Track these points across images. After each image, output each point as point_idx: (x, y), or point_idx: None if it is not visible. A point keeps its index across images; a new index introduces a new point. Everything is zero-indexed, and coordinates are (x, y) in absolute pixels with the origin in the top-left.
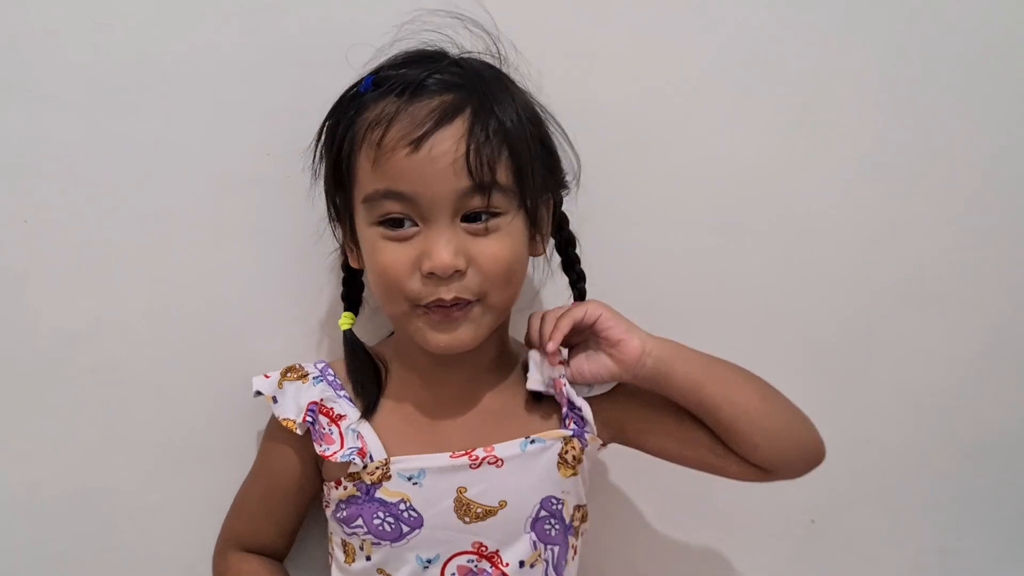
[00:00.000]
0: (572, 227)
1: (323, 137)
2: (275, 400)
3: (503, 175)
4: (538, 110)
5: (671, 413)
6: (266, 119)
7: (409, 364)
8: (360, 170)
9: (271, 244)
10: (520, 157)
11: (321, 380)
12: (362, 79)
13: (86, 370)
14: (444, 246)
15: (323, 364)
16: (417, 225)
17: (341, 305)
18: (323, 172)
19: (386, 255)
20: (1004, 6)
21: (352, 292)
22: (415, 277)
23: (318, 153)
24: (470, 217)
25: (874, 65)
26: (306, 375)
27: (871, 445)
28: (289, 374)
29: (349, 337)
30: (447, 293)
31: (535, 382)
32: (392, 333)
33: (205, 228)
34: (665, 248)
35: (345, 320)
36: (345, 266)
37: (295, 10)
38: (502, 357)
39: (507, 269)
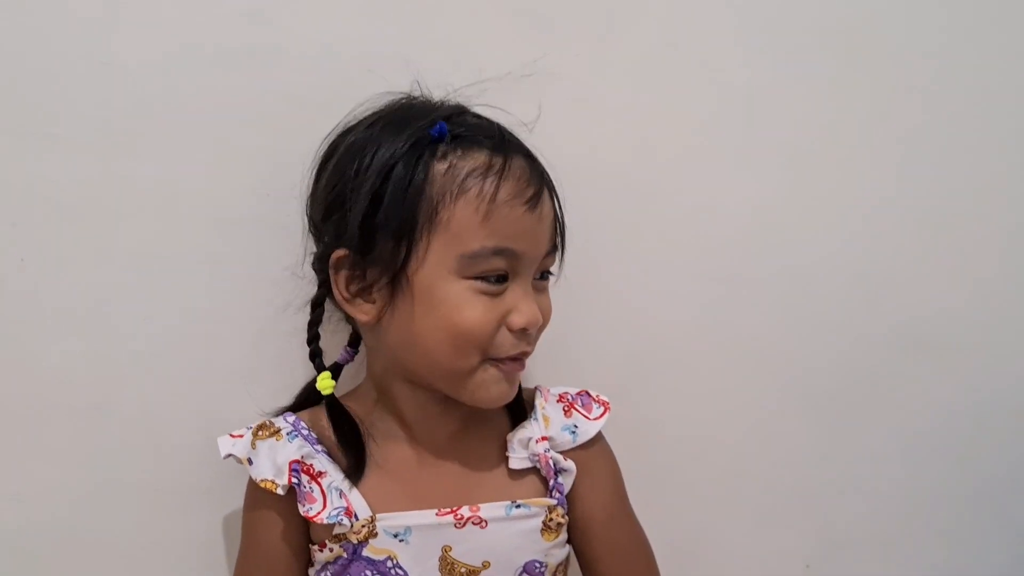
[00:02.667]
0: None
1: (350, 174)
2: (250, 462)
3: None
4: None
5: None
6: (263, 161)
7: (397, 418)
8: (457, 222)
9: (266, 286)
10: (563, 220)
11: (296, 435)
12: (429, 121)
13: (79, 411)
14: (532, 303)
15: (293, 417)
16: (507, 281)
17: (296, 351)
18: (353, 215)
19: (477, 310)
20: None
21: (319, 348)
22: (501, 332)
23: (345, 196)
24: (544, 274)
25: (871, 115)
26: (279, 431)
27: (866, 491)
28: (261, 432)
29: (333, 403)
30: (529, 345)
31: (518, 461)
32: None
33: (198, 270)
34: (662, 298)
35: (326, 384)
36: (315, 320)
37: (292, 53)
38: None
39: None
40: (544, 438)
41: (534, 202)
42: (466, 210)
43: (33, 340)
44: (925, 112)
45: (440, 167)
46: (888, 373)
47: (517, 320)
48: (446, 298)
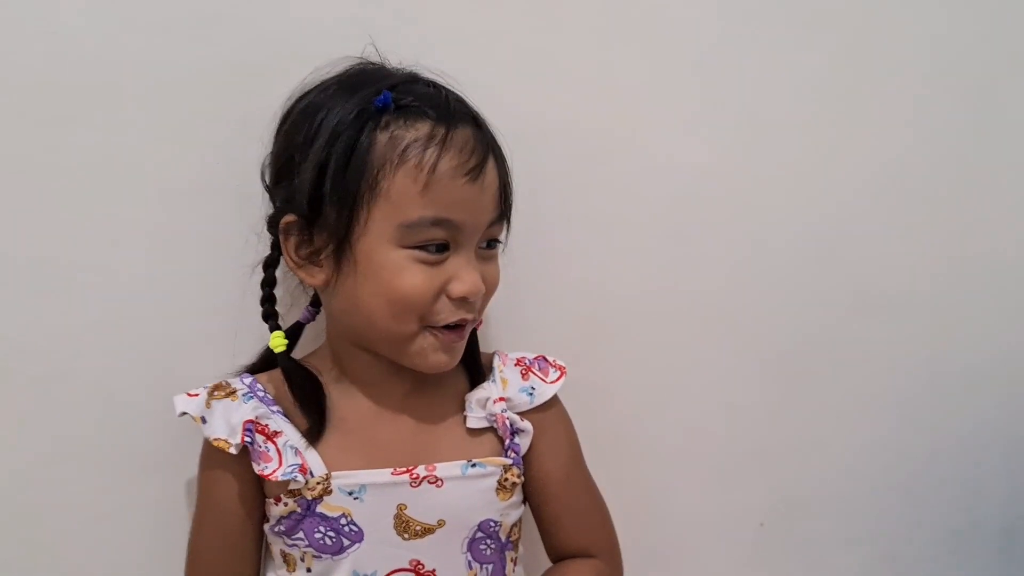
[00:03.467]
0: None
1: (296, 140)
2: (204, 420)
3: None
4: None
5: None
6: (204, 131)
7: (351, 377)
8: (397, 192)
9: (215, 254)
10: (510, 187)
11: (252, 396)
12: (377, 91)
13: (33, 380)
14: (473, 272)
15: (250, 379)
16: (448, 251)
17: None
18: (300, 182)
19: (414, 277)
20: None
21: (273, 307)
22: (440, 300)
23: (291, 161)
24: (490, 243)
25: (826, 73)
26: (234, 392)
27: (821, 449)
28: (216, 392)
29: (286, 359)
30: (469, 314)
31: (475, 420)
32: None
33: (150, 238)
34: (617, 256)
35: (278, 341)
36: (268, 281)
37: (243, 20)
38: None
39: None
40: (502, 399)
41: (475, 173)
42: (405, 180)
43: None
44: (881, 68)
45: (383, 137)
46: (844, 333)
47: (457, 288)
48: (385, 265)
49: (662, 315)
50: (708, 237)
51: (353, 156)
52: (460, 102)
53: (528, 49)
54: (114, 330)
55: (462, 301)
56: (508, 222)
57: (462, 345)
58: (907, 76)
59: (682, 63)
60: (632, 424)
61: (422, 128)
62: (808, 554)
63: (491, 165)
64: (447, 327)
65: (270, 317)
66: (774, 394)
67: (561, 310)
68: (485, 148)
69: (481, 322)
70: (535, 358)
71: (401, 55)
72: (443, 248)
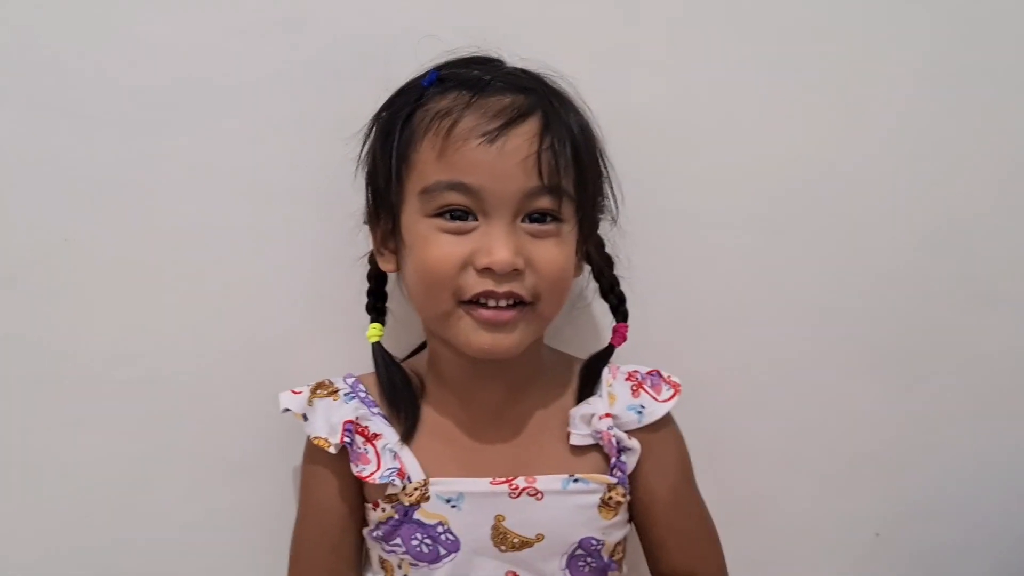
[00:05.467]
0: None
1: (374, 130)
2: (305, 418)
3: (567, 182)
4: (595, 129)
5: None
6: (301, 133)
7: (444, 380)
8: (421, 160)
9: (308, 257)
10: (584, 167)
11: (353, 397)
12: (425, 73)
13: (127, 384)
14: (504, 243)
15: (352, 379)
16: (476, 220)
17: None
18: (369, 167)
19: (440, 247)
20: None
21: (378, 301)
22: (467, 272)
23: (365, 148)
24: (535, 217)
25: (927, 57)
26: (336, 391)
27: (939, 453)
28: (319, 390)
29: (379, 351)
30: (499, 287)
31: (579, 438)
32: (422, 347)
33: (243, 243)
34: (714, 252)
35: (373, 332)
36: (372, 274)
37: (329, 24)
38: (539, 370)
39: (562, 274)
40: (608, 415)
41: (492, 135)
42: (426, 148)
43: (82, 315)
44: (982, 50)
45: (419, 112)
46: (961, 331)
47: (481, 259)
48: (416, 237)
49: (764, 314)
50: (813, 233)
51: (398, 134)
52: (523, 77)
53: (618, 43)
54: (204, 335)
55: (487, 273)
56: (584, 204)
57: (513, 331)
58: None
59: (779, 53)
60: (736, 428)
61: (449, 97)
62: (926, 565)
63: (522, 131)
64: (481, 305)
65: (373, 310)
66: (888, 396)
67: (654, 305)
68: (518, 114)
69: (547, 313)
70: (648, 372)
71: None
72: (463, 215)
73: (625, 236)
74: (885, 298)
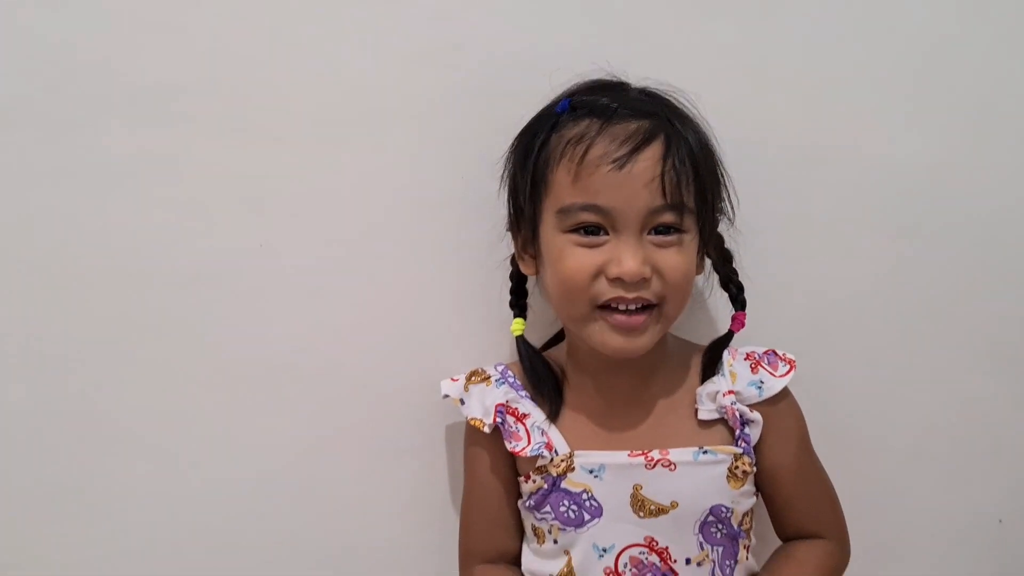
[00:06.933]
0: (736, 240)
1: (515, 151)
2: (462, 402)
3: (688, 197)
4: (712, 139)
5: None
6: (457, 148)
7: (582, 368)
8: (557, 183)
9: (459, 261)
10: (703, 182)
11: (503, 382)
12: (558, 100)
13: (308, 372)
14: (632, 255)
15: (502, 367)
16: (607, 234)
17: (510, 312)
18: (510, 183)
19: (575, 259)
20: None
21: (520, 299)
22: (600, 281)
23: (508, 167)
24: (659, 230)
25: None
26: (488, 378)
27: None
28: (473, 377)
29: (523, 343)
30: (629, 293)
31: (706, 413)
32: (558, 340)
33: (405, 250)
34: (841, 257)
35: (517, 326)
36: (514, 275)
37: (481, 48)
38: (665, 356)
39: (685, 279)
40: (731, 392)
41: (621, 162)
42: (562, 172)
43: (272, 311)
44: None
45: (554, 138)
46: None
47: (612, 269)
48: (552, 250)
49: (889, 312)
50: (935, 228)
51: (536, 157)
52: (646, 101)
53: (741, 52)
54: (371, 328)
55: (617, 282)
56: (704, 214)
57: (643, 334)
58: None
59: (905, 56)
60: (863, 420)
61: (582, 125)
62: None
63: (647, 155)
64: (617, 310)
65: (515, 307)
66: (1011, 389)
67: (785, 307)
68: (643, 140)
69: (672, 313)
70: (764, 352)
71: (629, 69)
72: (595, 231)
73: (755, 235)
74: (1011, 296)
